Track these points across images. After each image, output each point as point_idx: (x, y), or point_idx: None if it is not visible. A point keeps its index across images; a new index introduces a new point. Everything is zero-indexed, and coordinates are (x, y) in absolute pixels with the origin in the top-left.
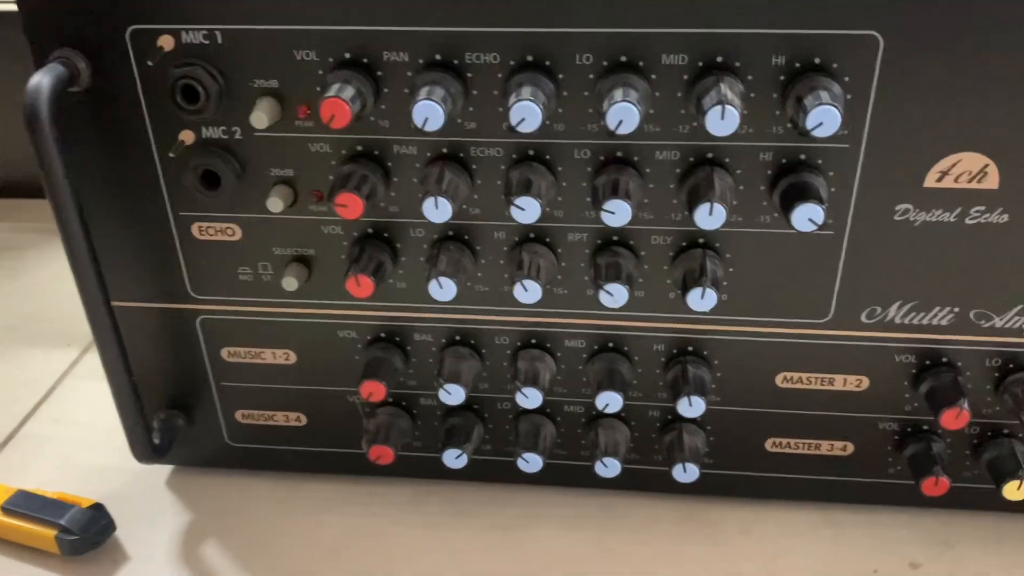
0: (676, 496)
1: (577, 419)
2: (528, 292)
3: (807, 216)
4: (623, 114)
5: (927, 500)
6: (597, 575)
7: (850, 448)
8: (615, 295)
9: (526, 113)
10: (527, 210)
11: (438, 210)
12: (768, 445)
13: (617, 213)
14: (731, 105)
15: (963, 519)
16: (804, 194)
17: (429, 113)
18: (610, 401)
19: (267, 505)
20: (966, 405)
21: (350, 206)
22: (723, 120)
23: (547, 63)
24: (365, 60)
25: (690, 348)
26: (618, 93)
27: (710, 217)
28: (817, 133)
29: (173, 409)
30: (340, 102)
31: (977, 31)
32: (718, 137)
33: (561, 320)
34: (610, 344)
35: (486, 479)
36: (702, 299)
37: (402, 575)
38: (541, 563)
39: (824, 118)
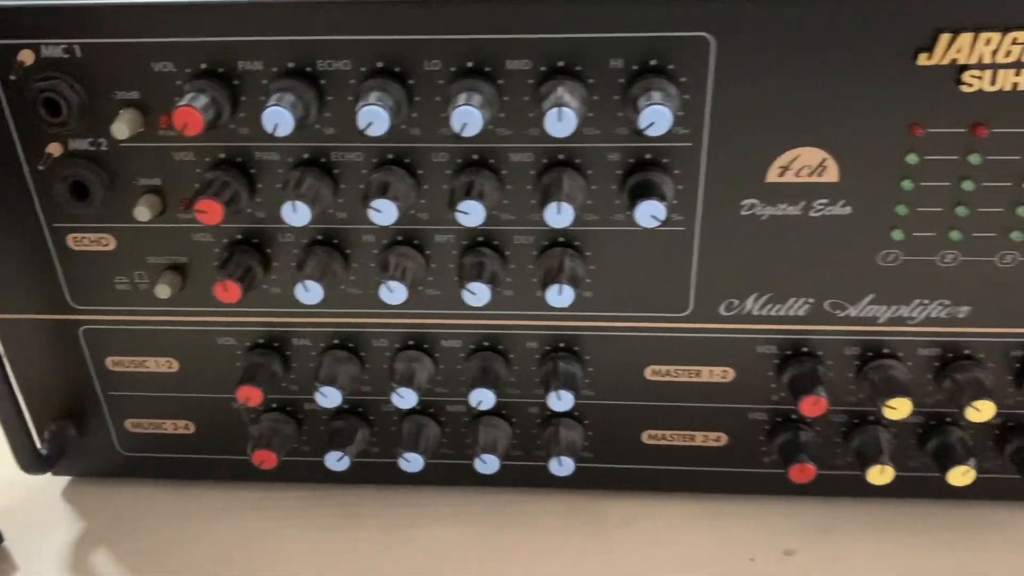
0: (561, 491)
1: (460, 418)
2: (393, 293)
3: (649, 213)
4: (467, 117)
5: (803, 488)
6: (484, 570)
7: (724, 439)
8: (478, 294)
9: (373, 117)
10: (384, 212)
11: (296, 214)
12: (645, 438)
13: (471, 214)
14: (568, 107)
15: (842, 506)
16: (646, 192)
17: (278, 119)
18: (483, 399)
19: (160, 512)
20: (823, 393)
21: (210, 212)
22: (560, 122)
23: (397, 69)
24: (221, 70)
25: (561, 344)
26: (462, 97)
27: (559, 216)
28: (650, 132)
29: (63, 420)
30: (192, 110)
31: (807, 31)
32: (561, 139)
33: (437, 321)
34: (485, 343)
35: (377, 481)
36: (560, 295)
37: (292, 574)
38: (429, 561)
39: (655, 118)
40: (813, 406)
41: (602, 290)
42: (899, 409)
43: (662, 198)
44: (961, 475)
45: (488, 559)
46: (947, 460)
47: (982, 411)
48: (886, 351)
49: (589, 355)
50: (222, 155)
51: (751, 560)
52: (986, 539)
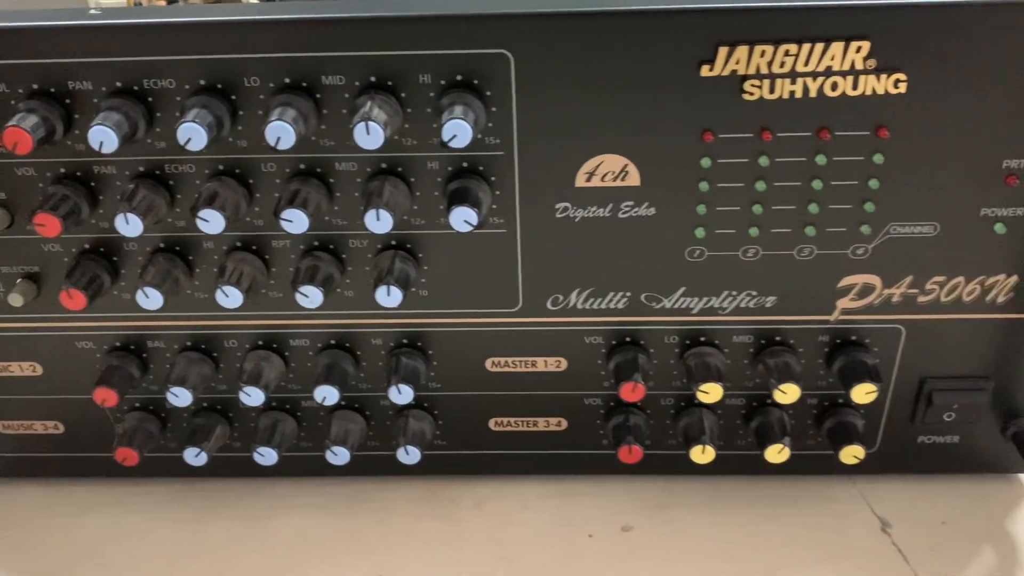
0: (417, 478)
1: (316, 413)
2: (229, 298)
3: (463, 218)
4: (280, 131)
5: (640, 468)
6: (340, 556)
7: (564, 423)
8: (310, 296)
9: (192, 133)
10: (211, 221)
11: (129, 225)
12: (492, 425)
13: (295, 221)
14: (375, 122)
15: (679, 484)
16: (460, 198)
17: (103, 137)
18: (327, 395)
19: (31, 510)
20: (640, 379)
21: (48, 225)
22: (368, 135)
23: (219, 87)
24: (52, 90)
25: (404, 341)
26: (276, 112)
27: (378, 222)
28: (453, 144)
29: None
30: (19, 131)
31: (598, 47)
32: (375, 150)
33: (285, 322)
34: (332, 342)
35: (240, 473)
36: (388, 296)
37: (159, 568)
38: (288, 549)
39: (456, 131)
40: (632, 392)
41: (437, 289)
42: (711, 393)
43: (475, 204)
44: (777, 453)
45: (343, 545)
46: (765, 439)
47: (788, 393)
48: (703, 339)
49: (432, 350)
50: (62, 170)
51: (589, 536)
52: (804, 510)
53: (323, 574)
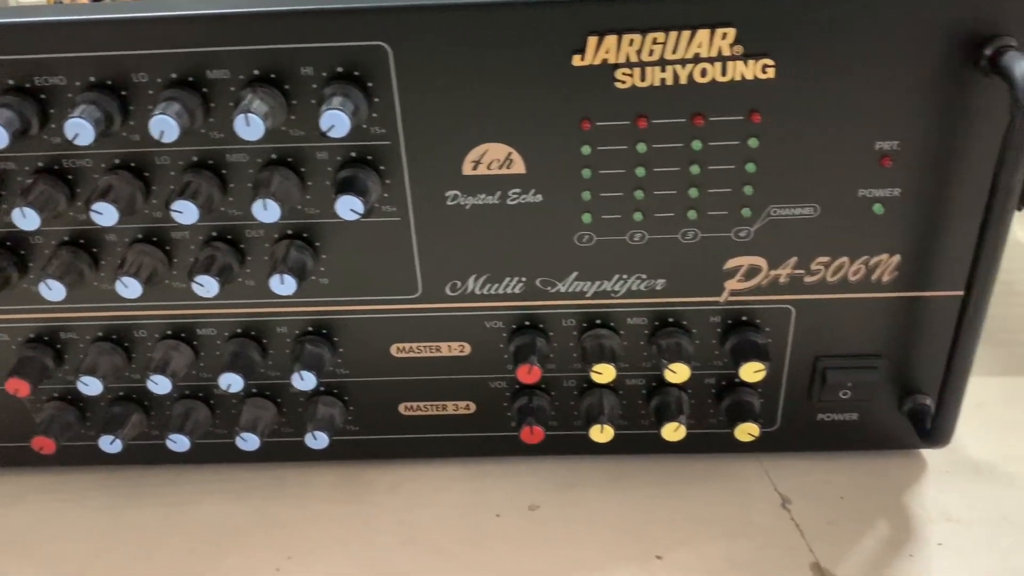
0: (333, 463)
1: (230, 400)
2: (128, 288)
3: (349, 207)
4: (163, 125)
5: (547, 448)
6: (255, 540)
7: (472, 407)
8: (205, 286)
9: (79, 129)
10: (105, 214)
11: (26, 219)
12: (402, 409)
13: (185, 212)
14: (254, 114)
15: (590, 464)
16: (345, 187)
17: None
18: (232, 382)
19: None
20: (535, 362)
21: None
22: (248, 127)
23: (109, 82)
24: None
25: (309, 329)
26: (160, 107)
27: (265, 212)
28: (332, 135)
29: None
30: None
31: (473, 38)
32: (256, 141)
33: (193, 312)
34: (239, 330)
35: (161, 460)
36: (282, 284)
37: (81, 556)
38: (206, 533)
39: (334, 121)
40: (528, 374)
41: (337, 277)
42: (604, 374)
43: (361, 193)
44: (673, 431)
45: (258, 530)
46: (662, 417)
47: (677, 373)
48: (599, 322)
49: (337, 337)
50: None
51: (497, 516)
52: (709, 487)
53: (236, 558)
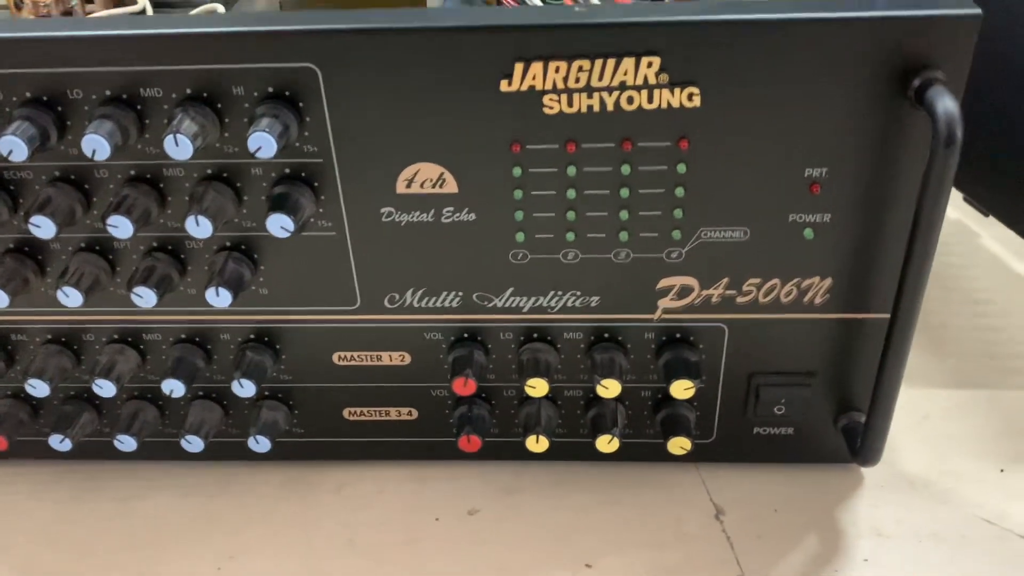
0: (283, 463)
1: (178, 403)
2: (70, 298)
3: (279, 224)
4: (95, 144)
5: (489, 454)
6: (197, 537)
7: (415, 413)
8: (144, 297)
9: (11, 146)
10: (43, 227)
11: None
12: (346, 414)
13: (120, 227)
14: (183, 135)
15: (532, 469)
16: (277, 206)
17: None
18: (174, 388)
19: None
20: (470, 375)
21: None
22: (177, 147)
23: (45, 98)
24: None
25: (252, 336)
26: (92, 126)
27: (198, 228)
28: (260, 155)
29: None
30: None
31: (401, 63)
32: (182, 160)
33: (140, 318)
34: (183, 336)
35: (116, 457)
36: (217, 296)
37: (32, 544)
38: (152, 528)
39: (261, 143)
40: (463, 387)
41: (277, 288)
42: (538, 388)
43: (292, 211)
44: (607, 443)
45: (201, 527)
46: (597, 429)
47: (609, 389)
48: (535, 335)
49: (279, 345)
50: None
51: (436, 520)
52: (646, 496)
53: (176, 555)
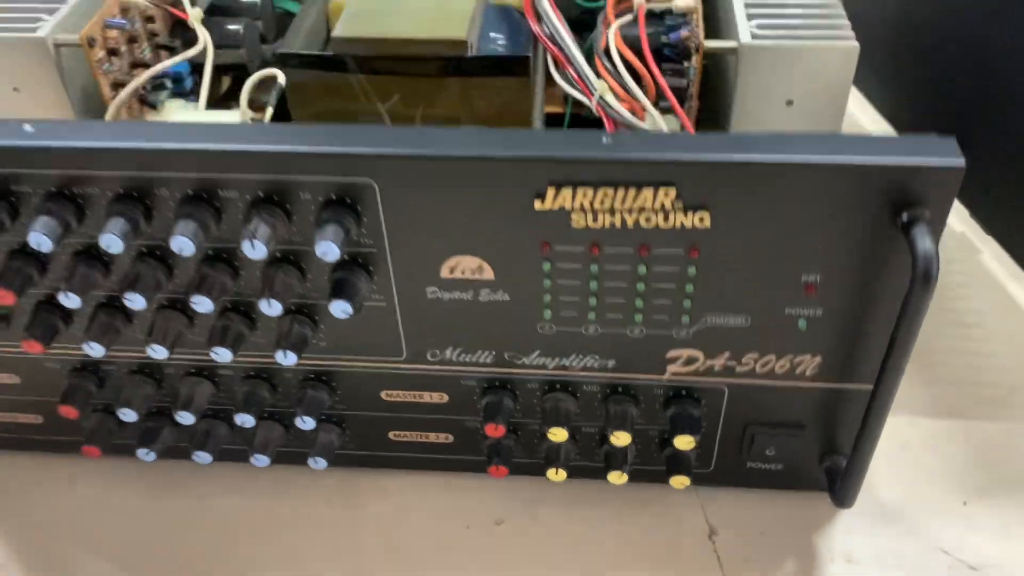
0: (334, 468)
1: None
2: (157, 352)
3: (340, 309)
4: (182, 244)
5: (515, 471)
6: (262, 535)
7: (451, 438)
8: (220, 355)
9: (110, 242)
10: (134, 301)
11: (69, 300)
12: (391, 436)
13: (200, 304)
14: (259, 239)
15: (552, 485)
16: (338, 292)
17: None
18: (244, 420)
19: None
20: (501, 421)
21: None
22: (254, 250)
23: (135, 194)
24: None
25: (311, 376)
26: (179, 226)
27: (270, 308)
28: (325, 260)
29: None
30: None
31: (449, 182)
32: (257, 260)
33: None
34: (252, 373)
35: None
36: (285, 357)
37: (125, 534)
38: (221, 527)
39: (327, 249)
40: (494, 431)
41: (335, 342)
42: (558, 435)
43: (351, 296)
44: (617, 477)
45: (264, 526)
46: (609, 465)
47: (620, 439)
48: (558, 386)
49: (335, 383)
50: None
51: (467, 528)
52: (649, 513)
53: (246, 550)
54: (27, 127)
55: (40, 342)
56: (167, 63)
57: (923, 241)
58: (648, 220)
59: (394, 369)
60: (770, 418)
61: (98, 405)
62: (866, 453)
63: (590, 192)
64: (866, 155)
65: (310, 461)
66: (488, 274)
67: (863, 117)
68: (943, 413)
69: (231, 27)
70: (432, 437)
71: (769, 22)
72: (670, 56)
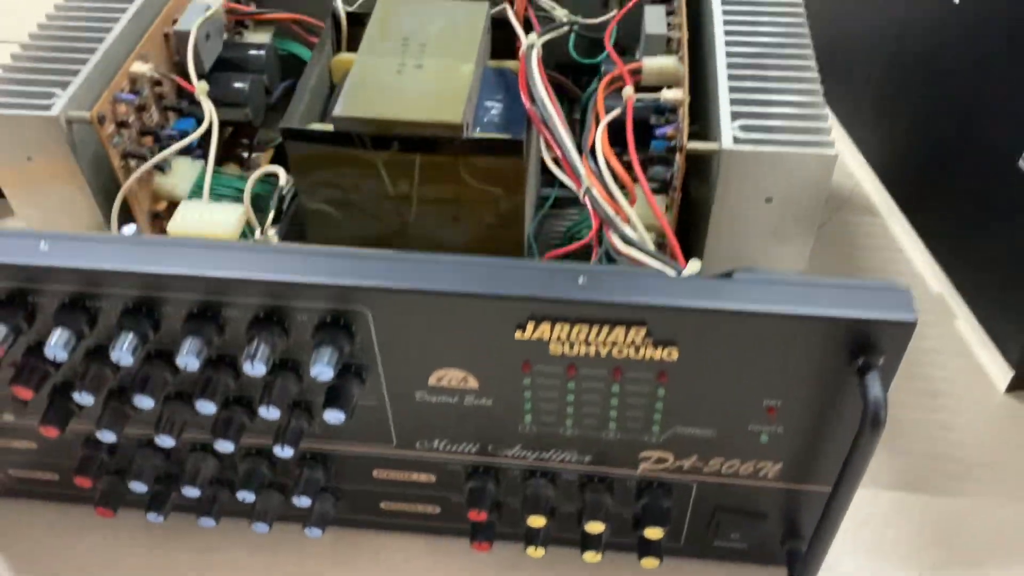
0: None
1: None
2: (164, 442)
3: (334, 417)
4: (187, 361)
5: (500, 537)
6: None
7: (438, 509)
8: (222, 445)
9: (120, 356)
10: (142, 402)
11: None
12: (382, 505)
13: (202, 408)
14: (259, 359)
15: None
16: (331, 401)
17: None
18: (246, 496)
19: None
20: (484, 507)
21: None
22: (253, 368)
23: (144, 309)
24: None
25: (307, 456)
26: (185, 345)
27: (268, 411)
28: (320, 380)
29: None
30: None
31: (434, 311)
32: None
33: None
34: (255, 451)
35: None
36: (282, 450)
37: None
38: None
39: (321, 370)
40: (477, 515)
41: (330, 432)
42: (536, 522)
43: (344, 405)
44: (592, 556)
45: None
46: (585, 545)
47: (595, 528)
48: (539, 474)
49: (329, 462)
50: None
51: None
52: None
53: None
54: (43, 245)
55: (56, 427)
56: (175, 148)
57: (874, 388)
58: (620, 352)
59: (384, 454)
60: (736, 507)
61: (111, 467)
62: (824, 543)
63: (567, 327)
64: (826, 307)
65: (306, 531)
66: (473, 384)
67: (851, 161)
68: (904, 486)
69: (237, 85)
70: (420, 507)
71: (753, 123)
72: (659, 139)
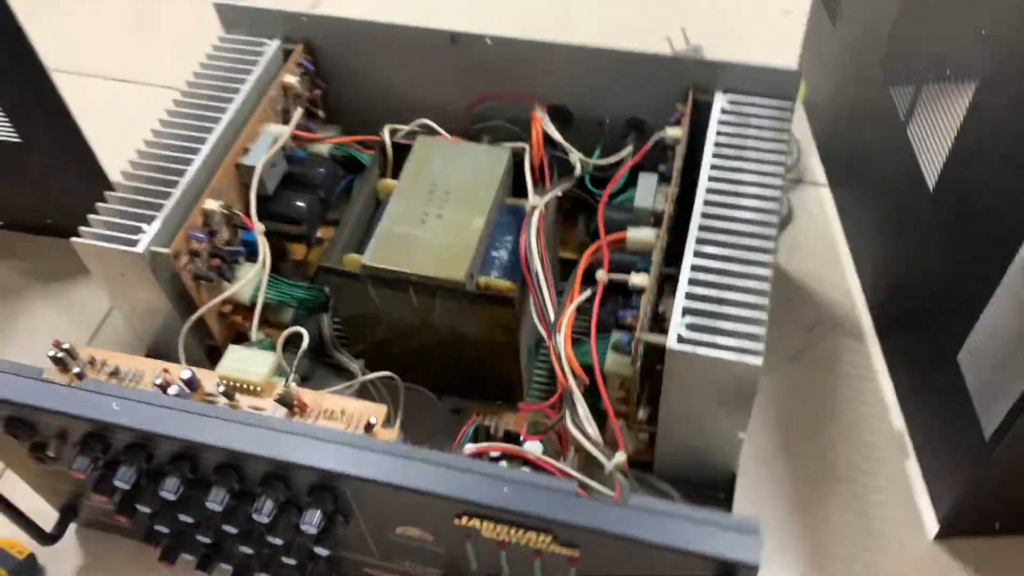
0: None
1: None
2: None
3: (322, 552)
4: (214, 506)
5: None
6: None
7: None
8: (289, 561)
9: (167, 493)
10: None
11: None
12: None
13: (212, 502)
14: (264, 513)
15: None
16: (319, 543)
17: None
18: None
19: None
20: None
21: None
22: (261, 515)
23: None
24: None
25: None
26: (212, 494)
27: (275, 540)
28: (308, 532)
29: None
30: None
31: (394, 494)
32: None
33: None
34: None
35: None
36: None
37: None
38: None
39: (309, 527)
40: None
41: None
42: None
43: (330, 547)
44: None
45: None
46: None
47: None
48: None
49: (332, 560)
50: None
51: None
52: None
53: None
54: (115, 405)
55: (127, 517)
56: (229, 292)
57: None
58: (535, 544)
59: (370, 560)
60: None
61: (167, 543)
62: None
63: (493, 523)
64: (685, 542)
65: None
66: (429, 537)
67: (852, 281)
68: None
69: (297, 204)
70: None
71: (700, 322)
72: (620, 326)
